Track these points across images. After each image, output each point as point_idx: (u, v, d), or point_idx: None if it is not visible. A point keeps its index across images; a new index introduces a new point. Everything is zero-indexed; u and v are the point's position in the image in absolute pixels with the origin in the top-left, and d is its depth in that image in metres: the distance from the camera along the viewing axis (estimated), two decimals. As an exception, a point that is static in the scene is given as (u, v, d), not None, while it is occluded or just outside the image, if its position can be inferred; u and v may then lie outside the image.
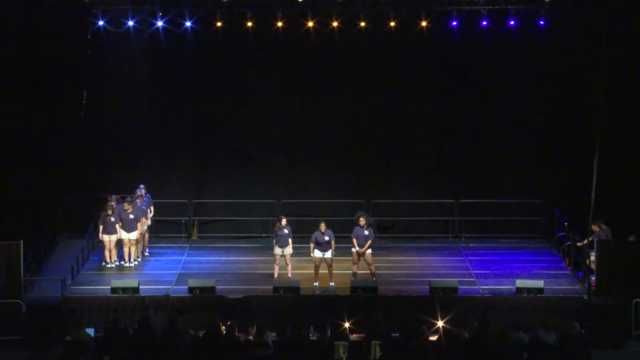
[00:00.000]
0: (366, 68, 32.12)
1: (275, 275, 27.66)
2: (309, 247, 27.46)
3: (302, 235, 28.56)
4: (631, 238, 27.64)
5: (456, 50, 31.76)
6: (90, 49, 31.28)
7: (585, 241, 27.67)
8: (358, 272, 27.63)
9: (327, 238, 27.36)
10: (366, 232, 27.41)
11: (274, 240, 27.72)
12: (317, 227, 27.41)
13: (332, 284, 27.55)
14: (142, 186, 29.95)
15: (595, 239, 26.96)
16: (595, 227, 27.48)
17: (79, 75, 31.22)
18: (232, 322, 22.90)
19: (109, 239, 28.78)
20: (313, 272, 27.54)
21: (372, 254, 27.57)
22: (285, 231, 27.57)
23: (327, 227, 27.48)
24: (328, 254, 27.38)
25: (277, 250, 27.65)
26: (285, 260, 27.71)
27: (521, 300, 26.26)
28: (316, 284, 27.49)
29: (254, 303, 26.16)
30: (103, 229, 28.70)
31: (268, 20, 31.36)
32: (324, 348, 22.66)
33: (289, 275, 27.67)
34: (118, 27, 31.43)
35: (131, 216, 28.80)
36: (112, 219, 28.64)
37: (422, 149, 32.42)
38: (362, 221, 27.45)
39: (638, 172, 30.54)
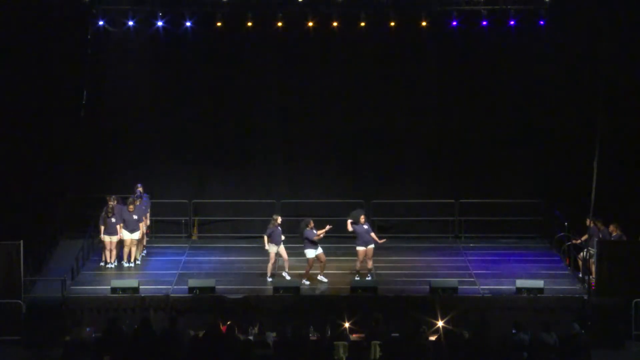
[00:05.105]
0: (366, 68, 32.11)
1: (269, 274, 27.66)
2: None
3: (302, 235, 28.56)
4: (611, 228, 27.59)
5: (456, 50, 31.77)
6: (90, 49, 31.31)
7: (584, 238, 27.69)
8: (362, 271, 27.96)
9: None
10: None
11: (266, 239, 27.66)
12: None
13: (323, 279, 27.55)
14: (139, 185, 29.91)
15: (596, 240, 26.98)
16: (590, 223, 27.41)
17: (79, 75, 31.22)
18: (232, 322, 22.90)
19: (109, 240, 28.76)
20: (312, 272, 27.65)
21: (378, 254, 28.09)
22: (279, 229, 27.58)
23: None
24: (319, 250, 27.47)
25: (273, 248, 27.63)
26: (283, 256, 27.73)
27: (521, 300, 26.28)
28: (306, 282, 27.46)
29: (254, 303, 26.17)
30: (104, 229, 28.68)
31: (268, 20, 31.36)
32: (324, 348, 22.65)
33: (286, 268, 27.66)
34: (118, 27, 31.43)
35: (134, 216, 28.79)
36: (113, 219, 28.62)
37: (422, 149, 32.40)
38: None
39: (638, 172, 30.51)
